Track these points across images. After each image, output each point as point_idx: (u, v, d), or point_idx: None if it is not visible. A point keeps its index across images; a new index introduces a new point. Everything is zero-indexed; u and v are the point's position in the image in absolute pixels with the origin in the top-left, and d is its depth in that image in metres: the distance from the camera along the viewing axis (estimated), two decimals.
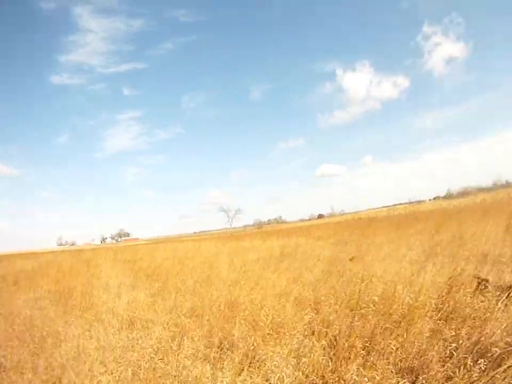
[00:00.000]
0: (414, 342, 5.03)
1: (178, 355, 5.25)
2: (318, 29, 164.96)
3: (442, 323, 5.52)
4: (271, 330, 5.82)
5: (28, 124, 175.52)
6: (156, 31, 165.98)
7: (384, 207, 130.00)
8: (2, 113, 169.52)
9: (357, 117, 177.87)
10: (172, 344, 5.58)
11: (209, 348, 5.62)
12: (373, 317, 5.89)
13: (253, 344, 5.33)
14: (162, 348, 5.55)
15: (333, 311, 6.45)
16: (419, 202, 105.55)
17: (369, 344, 5.19)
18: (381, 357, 4.85)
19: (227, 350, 5.49)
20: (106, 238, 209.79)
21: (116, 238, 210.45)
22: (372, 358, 4.85)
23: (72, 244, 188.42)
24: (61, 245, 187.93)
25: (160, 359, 5.23)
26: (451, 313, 5.88)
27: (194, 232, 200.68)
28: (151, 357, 5.29)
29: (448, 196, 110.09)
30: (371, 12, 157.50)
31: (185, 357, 5.20)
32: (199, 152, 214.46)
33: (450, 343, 4.92)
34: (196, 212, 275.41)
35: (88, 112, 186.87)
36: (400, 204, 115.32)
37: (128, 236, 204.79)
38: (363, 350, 5.00)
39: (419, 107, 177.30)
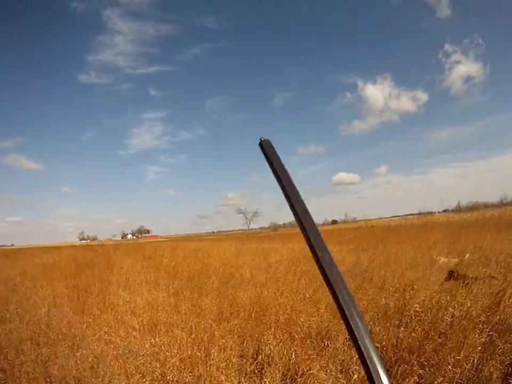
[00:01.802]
0: (469, 356, 4.32)
1: (209, 367, 4.37)
2: (343, 41, 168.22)
3: (495, 336, 4.72)
4: (310, 340, 4.98)
5: (56, 120, 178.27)
6: (183, 36, 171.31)
7: (394, 216, 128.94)
8: (32, 108, 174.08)
9: (375, 127, 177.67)
10: (199, 353, 4.73)
11: (242, 358, 4.76)
12: (418, 327, 5.05)
13: (293, 356, 4.49)
14: (190, 358, 4.68)
15: (371, 319, 5.64)
16: (429, 213, 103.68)
17: (420, 358, 4.38)
18: (437, 373, 4.11)
19: (263, 362, 4.65)
20: (127, 234, 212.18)
21: (136, 234, 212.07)
22: (426, 375, 4.16)
23: (94, 239, 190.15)
24: (82, 239, 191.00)
25: (190, 372, 4.38)
26: (503, 325, 5.09)
27: (213, 232, 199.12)
28: (178, 369, 4.44)
29: (457, 210, 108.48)
30: (397, 27, 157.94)
31: (217, 369, 4.33)
32: (219, 154, 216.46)
33: (508, 357, 4.27)
34: (213, 212, 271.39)
35: (114, 110, 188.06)
36: (411, 215, 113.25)
37: (148, 233, 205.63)
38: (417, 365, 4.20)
39: (435, 122, 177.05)
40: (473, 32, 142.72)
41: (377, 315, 5.87)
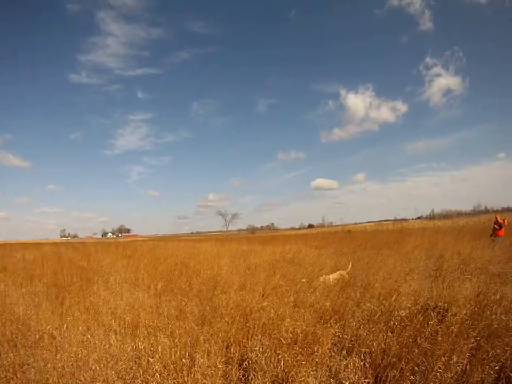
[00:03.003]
0: (458, 361, 4.25)
1: (193, 374, 4.10)
2: (328, 51, 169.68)
3: (483, 341, 4.67)
4: (297, 345, 4.79)
5: (44, 118, 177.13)
6: (173, 40, 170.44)
7: (370, 222, 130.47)
8: (21, 106, 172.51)
9: (355, 136, 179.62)
10: (184, 359, 4.44)
11: (228, 364, 4.52)
12: (405, 332, 4.94)
13: (281, 362, 4.29)
14: (174, 364, 4.40)
15: (358, 324, 5.52)
16: (404, 220, 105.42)
17: (410, 363, 4.26)
18: (427, 379, 4.06)
19: (250, 368, 4.42)
20: (107, 233, 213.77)
21: (116, 233, 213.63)
22: (416, 381, 4.08)
23: (75, 236, 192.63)
24: (64, 237, 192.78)
25: (174, 379, 4.09)
26: (489, 331, 5.05)
27: (192, 233, 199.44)
28: (162, 375, 4.15)
29: (431, 217, 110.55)
30: (381, 38, 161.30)
31: (202, 376, 4.06)
32: (202, 157, 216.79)
33: (496, 361, 4.26)
34: (193, 213, 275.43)
35: (102, 111, 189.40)
36: (386, 221, 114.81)
37: (128, 232, 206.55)
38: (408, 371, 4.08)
39: (413, 133, 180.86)
40: (454, 45, 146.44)
41: (363, 320, 5.75)
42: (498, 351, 4.42)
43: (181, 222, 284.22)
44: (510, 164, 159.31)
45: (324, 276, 9.19)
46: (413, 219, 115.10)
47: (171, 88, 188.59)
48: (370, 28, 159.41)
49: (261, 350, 4.65)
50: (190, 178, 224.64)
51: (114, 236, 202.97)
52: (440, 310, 5.90)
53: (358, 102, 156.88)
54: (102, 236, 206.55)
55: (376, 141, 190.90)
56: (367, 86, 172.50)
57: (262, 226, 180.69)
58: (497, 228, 17.52)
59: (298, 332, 5.19)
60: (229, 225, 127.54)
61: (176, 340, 4.94)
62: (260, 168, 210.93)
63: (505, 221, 18.09)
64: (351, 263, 9.85)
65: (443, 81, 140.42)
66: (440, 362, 4.15)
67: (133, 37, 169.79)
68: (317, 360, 4.39)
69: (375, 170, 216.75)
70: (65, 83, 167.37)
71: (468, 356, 4.35)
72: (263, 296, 7.12)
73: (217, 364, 4.29)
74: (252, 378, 4.22)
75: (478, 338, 4.70)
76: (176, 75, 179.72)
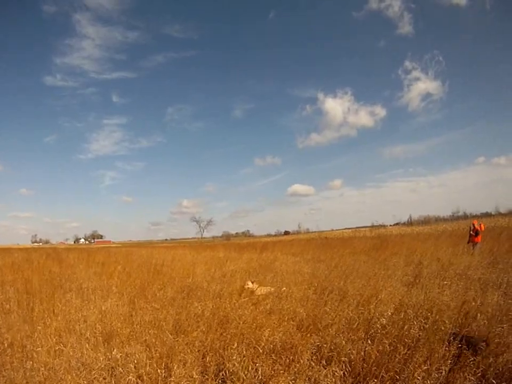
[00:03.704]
0: (439, 369, 4.39)
1: None
2: (306, 55, 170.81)
3: (465, 348, 4.81)
4: (276, 355, 4.85)
5: (18, 121, 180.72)
6: (149, 44, 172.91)
7: (346, 228, 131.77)
8: None
9: (332, 141, 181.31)
10: (159, 369, 4.42)
11: (204, 374, 4.51)
12: (385, 340, 5.06)
13: (259, 372, 4.33)
14: (149, 374, 4.38)
15: (336, 332, 5.60)
16: (381, 226, 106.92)
17: (389, 372, 4.37)
18: None
19: (227, 378, 4.43)
20: (80, 239, 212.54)
21: (89, 239, 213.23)
22: None
23: (47, 242, 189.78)
24: (35, 242, 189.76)
25: None
26: (471, 338, 5.18)
27: (166, 239, 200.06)
28: None
29: (409, 223, 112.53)
30: (360, 42, 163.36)
31: None
32: (177, 162, 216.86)
33: (477, 368, 4.38)
34: (166, 220, 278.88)
35: (76, 114, 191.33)
36: (363, 227, 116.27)
37: (101, 238, 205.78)
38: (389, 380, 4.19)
39: (390, 138, 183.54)
40: (433, 48, 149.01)
41: (342, 328, 5.84)
42: (479, 358, 4.60)
43: (155, 229, 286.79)
44: (489, 168, 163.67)
45: (253, 285, 9.32)
46: (390, 225, 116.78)
47: (146, 92, 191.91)
48: (349, 31, 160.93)
49: (238, 359, 4.65)
50: (164, 184, 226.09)
51: (87, 242, 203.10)
52: (421, 318, 6.04)
53: (336, 106, 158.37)
54: (75, 242, 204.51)
55: (354, 146, 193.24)
56: (345, 90, 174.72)
57: (237, 233, 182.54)
58: (473, 234, 17.66)
59: (276, 340, 5.26)
60: (203, 231, 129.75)
61: (151, 349, 4.94)
62: (235, 173, 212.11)
63: (482, 226, 18.38)
64: (284, 288, 9.35)
65: (422, 86, 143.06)
66: (421, 370, 4.27)
67: (109, 39, 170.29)
68: (295, 369, 4.44)
69: (352, 176, 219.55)
70: (40, 85, 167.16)
71: (450, 363, 4.49)
72: (240, 304, 7.17)
73: (194, 374, 4.30)
74: None
75: (460, 345, 4.87)
76: (151, 79, 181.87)
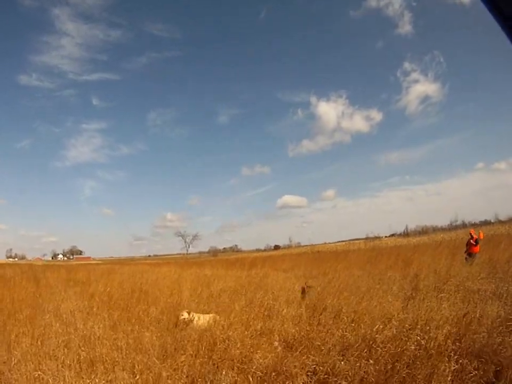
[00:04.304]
0: None
1: None
2: (298, 57, 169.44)
3: (467, 362, 4.94)
4: (268, 380, 4.87)
5: None
6: (132, 44, 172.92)
7: (340, 241, 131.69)
8: None
9: (325, 148, 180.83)
10: None
11: None
12: (382, 359, 5.12)
13: None
14: None
15: (329, 352, 5.64)
16: (376, 238, 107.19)
17: None
18: None
19: None
20: (58, 254, 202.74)
21: (67, 255, 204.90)
22: None
23: (22, 258, 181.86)
24: (10, 257, 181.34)
25: None
26: (471, 351, 5.36)
27: (149, 256, 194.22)
28: None
29: (405, 234, 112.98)
30: (357, 42, 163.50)
31: None
32: (160, 172, 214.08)
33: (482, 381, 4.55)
34: (150, 235, 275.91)
35: (53, 118, 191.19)
36: (358, 239, 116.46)
37: (80, 254, 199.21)
38: None
39: (387, 144, 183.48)
40: (434, 49, 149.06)
41: (336, 348, 5.87)
42: (481, 372, 4.68)
43: (137, 244, 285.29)
44: (488, 174, 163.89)
45: (190, 315, 8.51)
46: (386, 236, 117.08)
47: (127, 95, 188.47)
48: (345, 31, 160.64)
49: None
50: (147, 196, 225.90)
51: (65, 258, 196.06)
52: (419, 333, 6.11)
53: (329, 110, 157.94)
54: (52, 258, 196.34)
55: (348, 154, 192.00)
56: (339, 93, 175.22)
57: (224, 248, 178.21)
58: (473, 243, 17.59)
59: (269, 363, 5.28)
60: (189, 247, 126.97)
61: (137, 376, 4.93)
62: (222, 184, 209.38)
63: (481, 234, 18.46)
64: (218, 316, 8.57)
65: (421, 88, 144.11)
66: None
67: (90, 38, 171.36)
68: None
69: (346, 186, 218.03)
70: (13, 84, 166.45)
71: (450, 379, 4.56)
72: (228, 325, 7.17)
73: None
74: None
75: (460, 360, 4.95)
76: (133, 82, 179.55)
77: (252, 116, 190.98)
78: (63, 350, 6.45)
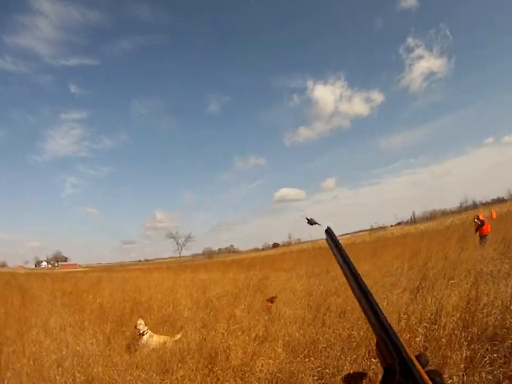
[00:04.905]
0: (455, 375, 4.53)
1: None
2: (291, 38, 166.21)
3: (478, 347, 5.04)
4: None
5: None
6: (113, 26, 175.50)
7: (343, 234, 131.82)
8: None
9: (323, 135, 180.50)
10: None
11: None
12: None
13: None
14: None
15: (338, 354, 5.69)
16: (382, 228, 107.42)
17: None
18: None
19: None
20: (41, 262, 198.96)
21: (52, 262, 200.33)
22: None
23: (3, 265, 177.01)
24: None
25: None
26: (482, 335, 5.45)
27: (139, 261, 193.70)
28: None
29: (413, 221, 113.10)
30: (357, 19, 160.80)
31: None
32: (147, 167, 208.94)
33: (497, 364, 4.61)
34: (139, 237, 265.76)
35: (29, 106, 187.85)
36: (362, 231, 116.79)
37: (65, 261, 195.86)
38: None
39: (389, 126, 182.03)
40: (439, 21, 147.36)
41: (343, 348, 5.92)
42: (495, 355, 4.74)
43: (126, 248, 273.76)
44: (499, 148, 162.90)
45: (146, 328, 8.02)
46: (392, 226, 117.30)
47: (109, 82, 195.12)
48: (343, 7, 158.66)
49: None
50: (134, 193, 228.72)
51: (49, 266, 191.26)
52: (427, 324, 6.17)
53: (327, 94, 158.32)
54: (36, 266, 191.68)
55: (347, 139, 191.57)
56: (338, 75, 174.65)
57: (220, 249, 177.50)
58: (479, 224, 17.54)
59: (274, 370, 5.33)
60: (182, 249, 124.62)
61: None
62: (214, 179, 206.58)
63: (493, 213, 18.43)
64: (180, 333, 8.12)
65: (425, 64, 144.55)
66: None
67: (68, 19, 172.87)
68: None
69: (346, 174, 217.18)
70: None
71: (463, 366, 4.63)
72: (228, 333, 7.21)
73: None
74: None
75: (472, 346, 5.02)
76: (115, 68, 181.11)
77: (244, 103, 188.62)
78: (57, 369, 6.40)
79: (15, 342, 8.11)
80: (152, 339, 7.74)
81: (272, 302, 9.69)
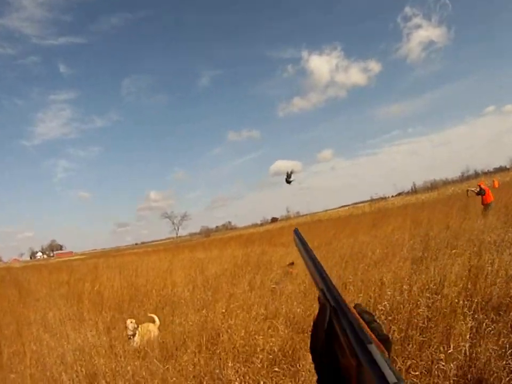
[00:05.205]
0: (459, 346, 4.55)
1: None
2: (285, 7, 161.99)
3: (483, 317, 5.13)
4: (277, 366, 4.99)
5: None
6: (100, 3, 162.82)
7: (343, 206, 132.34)
8: None
9: (319, 105, 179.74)
10: None
11: None
12: (394, 327, 5.26)
13: None
14: None
15: None
16: (382, 199, 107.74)
17: (406, 361, 4.55)
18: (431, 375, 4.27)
19: None
20: (36, 252, 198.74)
21: (47, 252, 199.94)
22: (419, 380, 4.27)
23: None
24: None
25: None
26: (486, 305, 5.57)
27: (136, 244, 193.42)
28: None
29: (413, 191, 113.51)
30: None
31: None
32: (138, 145, 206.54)
33: (502, 334, 4.65)
34: (134, 219, 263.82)
35: (16, 89, 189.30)
36: (362, 202, 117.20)
37: (61, 249, 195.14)
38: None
39: (386, 95, 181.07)
40: None
41: None
42: (500, 324, 4.83)
43: (121, 231, 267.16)
44: (500, 117, 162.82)
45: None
46: (392, 196, 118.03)
47: (98, 61, 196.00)
48: None
49: (237, 379, 4.81)
50: (126, 173, 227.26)
51: (45, 256, 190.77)
52: (429, 295, 6.25)
53: (323, 64, 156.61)
54: (31, 258, 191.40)
55: (343, 109, 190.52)
56: (334, 45, 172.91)
57: (217, 226, 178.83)
58: (479, 192, 17.41)
59: (276, 349, 5.40)
60: (178, 229, 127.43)
61: None
62: (207, 154, 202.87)
63: (495, 182, 18.48)
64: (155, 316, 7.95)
65: (424, 33, 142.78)
66: (440, 353, 4.45)
67: None
68: (302, 379, 4.60)
69: (343, 145, 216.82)
70: None
71: (469, 337, 4.70)
72: (228, 312, 7.28)
73: None
74: None
75: (476, 315, 5.10)
76: (104, 45, 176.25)
77: (236, 76, 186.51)
78: (60, 367, 6.36)
79: (15, 341, 8.16)
80: (143, 339, 7.22)
81: (292, 266, 10.11)
